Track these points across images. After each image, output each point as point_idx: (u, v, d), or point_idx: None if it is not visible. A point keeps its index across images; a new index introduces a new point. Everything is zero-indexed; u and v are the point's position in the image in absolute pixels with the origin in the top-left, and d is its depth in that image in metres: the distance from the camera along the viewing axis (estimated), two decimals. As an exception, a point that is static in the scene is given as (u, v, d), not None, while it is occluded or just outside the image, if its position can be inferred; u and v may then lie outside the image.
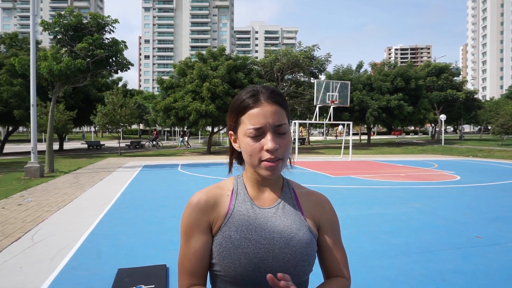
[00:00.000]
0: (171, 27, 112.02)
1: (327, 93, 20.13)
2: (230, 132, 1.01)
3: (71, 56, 13.46)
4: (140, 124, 60.36)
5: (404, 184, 10.31)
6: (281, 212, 0.99)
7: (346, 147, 22.06)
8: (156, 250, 4.55)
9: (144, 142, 30.55)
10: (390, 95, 30.15)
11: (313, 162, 17.63)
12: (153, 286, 3.42)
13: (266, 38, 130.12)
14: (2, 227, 5.67)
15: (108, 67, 14.76)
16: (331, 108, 20.76)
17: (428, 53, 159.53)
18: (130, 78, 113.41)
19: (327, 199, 1.08)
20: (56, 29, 13.58)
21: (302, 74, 30.54)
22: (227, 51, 28.24)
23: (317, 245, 1.02)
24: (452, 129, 77.78)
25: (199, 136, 47.60)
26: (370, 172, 13.47)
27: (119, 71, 15.31)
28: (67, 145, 34.60)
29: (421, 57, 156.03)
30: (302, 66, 28.21)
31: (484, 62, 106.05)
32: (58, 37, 13.91)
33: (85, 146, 31.32)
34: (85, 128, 60.62)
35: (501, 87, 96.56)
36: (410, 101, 31.06)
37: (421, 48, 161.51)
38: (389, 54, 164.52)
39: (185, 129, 30.97)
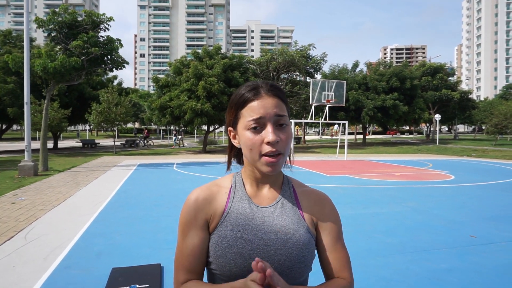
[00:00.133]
0: (167, 25, 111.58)
1: (323, 93, 20.16)
2: (230, 128, 1.00)
3: (66, 54, 13.35)
4: (136, 123, 60.12)
5: (399, 184, 10.35)
6: (279, 211, 0.97)
7: (342, 147, 22.12)
8: (151, 249, 4.52)
9: (138, 141, 30.43)
10: (386, 94, 30.28)
11: (309, 162, 17.65)
12: (148, 285, 3.40)
13: (262, 37, 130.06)
14: (-6, 226, 5.61)
15: (103, 65, 14.67)
16: (327, 108, 20.80)
17: (423, 53, 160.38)
18: (125, 77, 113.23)
19: (327, 198, 1.05)
20: (50, 27, 13.47)
21: (298, 73, 30.59)
22: (223, 50, 28.17)
23: (316, 245, 1.00)
24: (446, 128, 78.27)
25: (195, 135, 47.51)
26: (365, 172, 13.52)
27: (114, 69, 15.22)
28: (61, 144, 34.35)
29: (416, 57, 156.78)
30: (298, 65, 28.25)
31: (478, 62, 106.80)
32: (53, 34, 13.80)
33: (80, 144, 31.15)
34: (80, 127, 60.23)
35: (495, 87, 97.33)
36: (405, 100, 31.23)
37: (416, 48, 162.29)
38: (385, 53, 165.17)
39: (177, 128, 30.85)
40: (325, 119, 21.14)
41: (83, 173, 12.64)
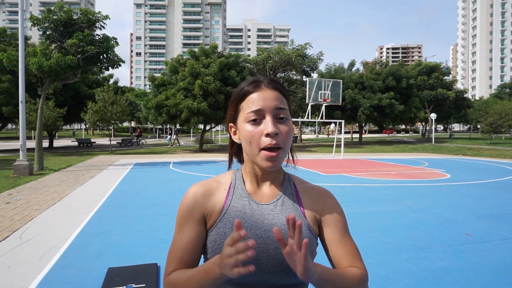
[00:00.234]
0: (163, 24, 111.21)
1: (319, 92, 20.18)
2: (230, 124, 0.99)
3: (61, 52, 13.26)
4: (132, 122, 59.90)
5: (395, 182, 10.38)
6: (280, 209, 0.95)
7: (338, 145, 22.17)
8: (147, 249, 4.51)
9: (135, 140, 30.32)
10: (382, 93, 30.39)
11: (305, 160, 17.67)
12: (144, 285, 3.38)
13: (258, 36, 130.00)
14: (-11, 226, 5.56)
15: (99, 64, 14.59)
16: (323, 107, 20.82)
17: (419, 52, 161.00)
18: (121, 75, 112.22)
19: (329, 192, 1.04)
20: (45, 25, 13.38)
21: (294, 72, 30.60)
22: (220, 49, 28.15)
23: (322, 241, 0.98)
24: (442, 127, 78.67)
25: (191, 134, 47.40)
26: (362, 170, 13.55)
27: (110, 68, 15.14)
28: (57, 143, 34.15)
29: (412, 56, 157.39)
30: (294, 64, 28.25)
31: (473, 62, 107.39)
32: (48, 32, 13.70)
33: (76, 143, 30.96)
34: (76, 126, 59.94)
35: (490, 86, 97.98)
36: (401, 99, 31.35)
37: (412, 48, 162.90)
38: (381, 53, 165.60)
39: (171, 127, 30.75)
40: (321, 118, 21.16)
41: (78, 172, 12.57)
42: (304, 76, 31.52)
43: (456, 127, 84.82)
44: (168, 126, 31.75)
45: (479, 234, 5.16)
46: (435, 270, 3.84)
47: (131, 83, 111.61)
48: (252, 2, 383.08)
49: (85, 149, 25.77)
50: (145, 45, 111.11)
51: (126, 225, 5.63)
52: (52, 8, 13.55)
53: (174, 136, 31.44)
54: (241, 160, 1.05)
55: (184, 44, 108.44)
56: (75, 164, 15.43)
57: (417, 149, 26.78)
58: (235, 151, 1.06)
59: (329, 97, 20.29)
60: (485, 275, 3.72)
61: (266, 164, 0.89)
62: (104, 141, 37.20)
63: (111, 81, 30.66)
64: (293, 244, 0.74)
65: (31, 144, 19.00)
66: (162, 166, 14.77)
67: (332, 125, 59.23)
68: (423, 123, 47.23)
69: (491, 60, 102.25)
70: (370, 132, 74.89)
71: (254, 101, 0.90)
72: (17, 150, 21.31)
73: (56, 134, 41.78)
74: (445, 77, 42.17)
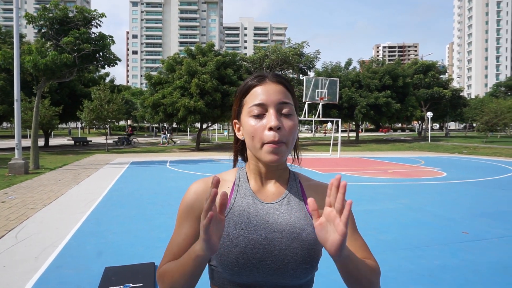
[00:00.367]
0: (159, 22, 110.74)
1: (316, 90, 20.19)
2: (235, 120, 0.98)
3: (57, 51, 13.16)
4: (128, 120, 59.68)
5: (392, 181, 10.42)
6: (285, 208, 0.93)
7: (335, 144, 22.20)
8: (144, 248, 4.49)
9: (131, 139, 30.21)
10: (378, 92, 30.46)
11: (302, 159, 17.65)
12: (141, 284, 3.37)
13: (255, 35, 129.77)
14: (-16, 225, 5.52)
15: (95, 62, 14.51)
16: (320, 105, 20.84)
17: (415, 51, 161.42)
18: (117, 74, 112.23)
19: None
20: (41, 23, 13.27)
21: (291, 70, 30.57)
22: (216, 47, 28.08)
23: None
24: (438, 126, 79.03)
25: (188, 133, 47.32)
26: (359, 169, 13.58)
27: (106, 66, 15.08)
28: (52, 141, 33.97)
29: (408, 55, 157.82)
30: (291, 62, 28.22)
31: (469, 61, 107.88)
32: (43, 30, 13.59)
33: (72, 142, 30.83)
34: (72, 124, 59.67)
35: (486, 85, 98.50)
36: (397, 98, 31.44)
37: (409, 46, 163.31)
38: (377, 51, 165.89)
39: (166, 125, 30.67)
40: (318, 116, 21.19)
41: (74, 171, 12.51)
42: (301, 75, 31.52)
43: (452, 125, 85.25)
44: (162, 125, 31.65)
45: (476, 232, 5.19)
46: (432, 268, 3.85)
47: (127, 81, 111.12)
48: (249, 1, 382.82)
49: (81, 148, 25.65)
50: (141, 44, 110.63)
51: (123, 224, 5.61)
52: (48, 5, 13.44)
53: (169, 134, 31.36)
54: (245, 158, 1.03)
55: (181, 43, 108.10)
56: (71, 163, 15.35)
57: (413, 147, 26.88)
58: (239, 148, 1.04)
59: (326, 96, 20.31)
60: (482, 273, 3.73)
61: (269, 158, 0.87)
62: (100, 139, 37.05)
63: (107, 79, 30.56)
64: (331, 211, 0.72)
65: (27, 142, 18.89)
66: (159, 164, 14.73)
67: (329, 124, 59.35)
68: (419, 122, 47.40)
69: (486, 58, 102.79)
70: (367, 130, 75.11)
71: (258, 95, 0.89)
72: (12, 149, 21.17)
73: (52, 133, 41.54)
74: (441, 76, 42.32)
